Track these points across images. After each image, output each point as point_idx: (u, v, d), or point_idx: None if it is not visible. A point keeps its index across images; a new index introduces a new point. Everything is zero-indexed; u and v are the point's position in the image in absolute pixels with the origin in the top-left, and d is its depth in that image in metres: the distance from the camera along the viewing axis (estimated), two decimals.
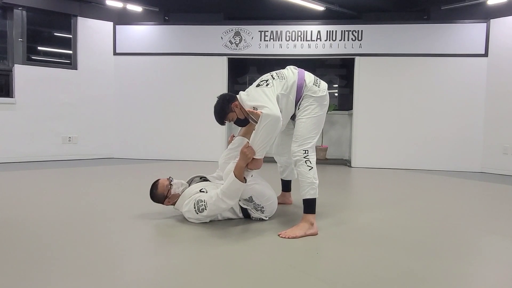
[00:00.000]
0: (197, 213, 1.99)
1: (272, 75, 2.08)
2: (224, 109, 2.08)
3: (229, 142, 2.37)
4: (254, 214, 2.14)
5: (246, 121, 2.14)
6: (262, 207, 2.10)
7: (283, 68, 2.18)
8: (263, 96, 1.92)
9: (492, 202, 3.09)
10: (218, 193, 1.91)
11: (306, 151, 1.98)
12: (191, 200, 2.04)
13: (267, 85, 2.00)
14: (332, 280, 1.37)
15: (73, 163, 4.95)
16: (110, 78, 5.57)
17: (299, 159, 1.98)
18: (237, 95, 2.11)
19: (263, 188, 2.09)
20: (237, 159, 1.94)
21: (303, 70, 2.14)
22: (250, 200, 2.06)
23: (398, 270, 1.48)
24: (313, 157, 2.00)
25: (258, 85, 2.04)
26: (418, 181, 4.11)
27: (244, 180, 1.90)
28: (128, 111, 5.60)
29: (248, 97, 2.00)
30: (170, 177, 2.19)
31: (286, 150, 2.38)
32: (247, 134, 2.32)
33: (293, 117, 2.22)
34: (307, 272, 1.44)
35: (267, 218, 2.16)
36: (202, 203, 1.97)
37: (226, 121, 2.16)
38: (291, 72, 2.10)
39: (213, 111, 2.13)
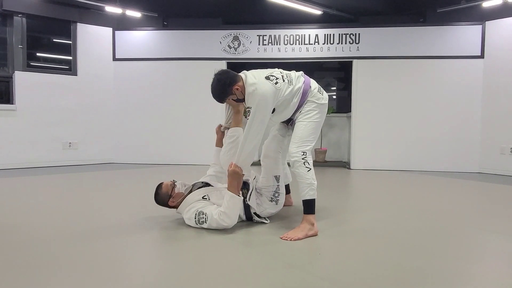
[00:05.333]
0: (197, 224, 2.02)
1: (282, 76, 2.05)
2: (226, 91, 2.04)
3: (216, 132, 2.38)
4: (263, 211, 2.19)
5: (243, 100, 2.08)
6: (278, 195, 2.20)
7: None
8: (260, 111, 1.93)
9: (490, 201, 3.12)
10: (220, 215, 1.93)
11: (305, 153, 2.01)
12: (192, 208, 2.06)
13: (276, 83, 2.00)
14: (335, 279, 1.39)
15: (74, 168, 4.97)
16: (110, 84, 5.60)
17: (297, 160, 2.00)
18: (241, 74, 2.08)
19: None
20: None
21: (308, 77, 2.19)
22: (277, 179, 2.19)
23: (399, 269, 1.51)
24: (310, 159, 2.03)
25: (267, 78, 2.01)
26: (416, 182, 4.14)
27: (240, 195, 1.99)
28: (128, 116, 5.63)
29: (251, 97, 1.96)
30: (173, 179, 2.22)
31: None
32: (239, 124, 2.15)
33: (288, 122, 2.25)
34: (310, 272, 1.47)
35: (268, 221, 2.20)
36: (203, 216, 1.99)
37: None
38: (297, 78, 2.12)
39: (210, 90, 2.08)
